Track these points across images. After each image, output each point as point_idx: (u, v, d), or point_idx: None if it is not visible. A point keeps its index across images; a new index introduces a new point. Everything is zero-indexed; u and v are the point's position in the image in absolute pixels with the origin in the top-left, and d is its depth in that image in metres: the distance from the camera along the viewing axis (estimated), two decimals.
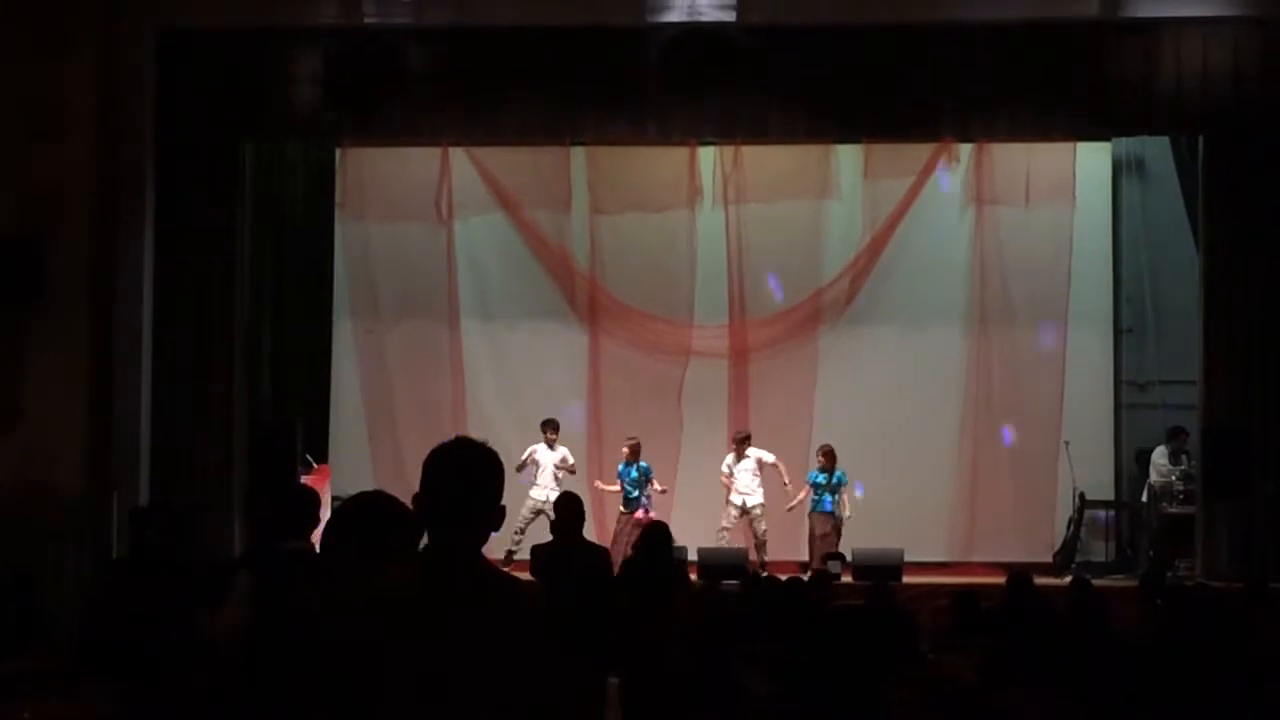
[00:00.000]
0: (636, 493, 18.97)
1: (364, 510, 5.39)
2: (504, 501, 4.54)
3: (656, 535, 11.70)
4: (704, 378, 20.32)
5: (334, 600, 4.36)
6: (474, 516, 4.43)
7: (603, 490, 19.43)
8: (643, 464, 19.06)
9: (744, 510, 19.03)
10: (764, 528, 19.05)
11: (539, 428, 19.11)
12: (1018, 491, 19.95)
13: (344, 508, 5.46)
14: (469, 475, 4.47)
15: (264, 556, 7.13)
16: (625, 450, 19.08)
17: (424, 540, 5.03)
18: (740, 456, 19.14)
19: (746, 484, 19.09)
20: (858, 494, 19.22)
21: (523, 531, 18.27)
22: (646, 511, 18.71)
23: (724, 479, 19.20)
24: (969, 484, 20.03)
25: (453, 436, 4.63)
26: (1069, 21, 17.88)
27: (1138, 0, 17.77)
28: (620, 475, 19.10)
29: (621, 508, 19.00)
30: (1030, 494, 19.86)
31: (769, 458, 19.21)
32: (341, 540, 5.40)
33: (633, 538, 18.22)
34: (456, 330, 20.50)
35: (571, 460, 19.13)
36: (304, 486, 9.56)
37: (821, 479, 18.86)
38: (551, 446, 19.05)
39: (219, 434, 18.40)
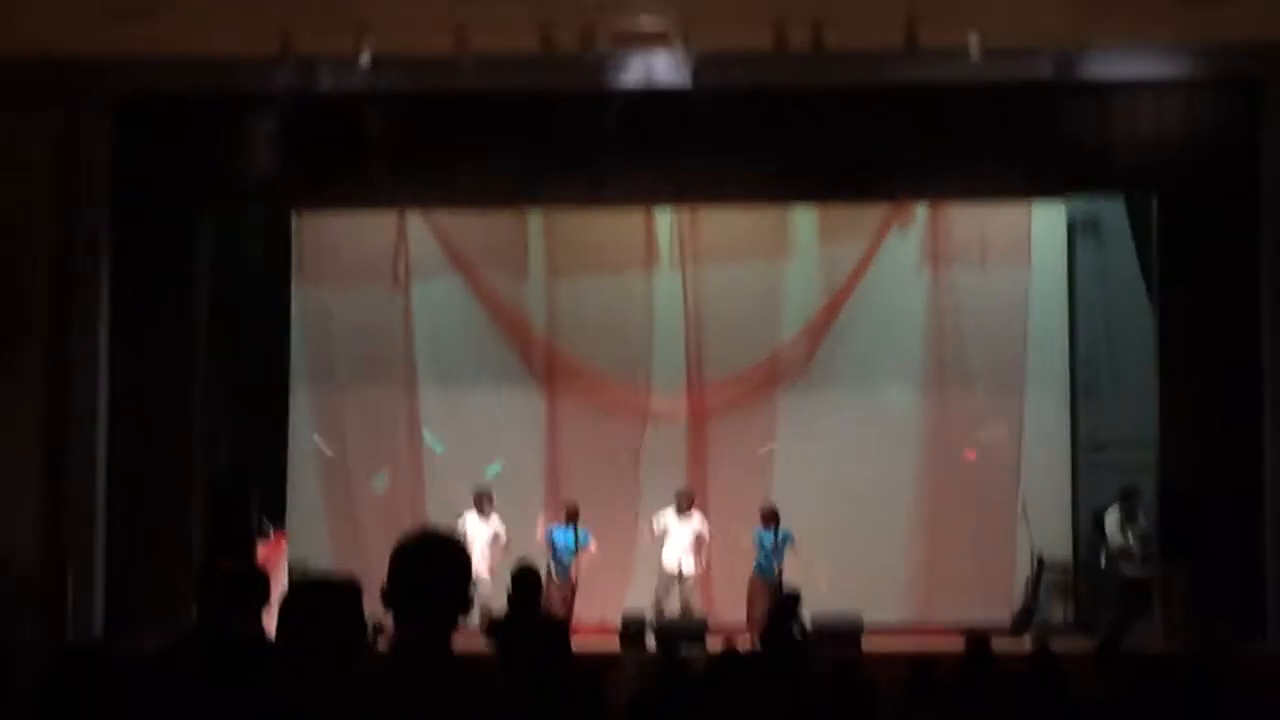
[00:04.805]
0: (569, 559, 18.84)
1: (314, 597, 5.35)
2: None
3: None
4: (662, 440, 20.31)
5: (310, 693, 4.34)
6: (442, 608, 4.42)
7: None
8: (581, 530, 18.93)
9: (679, 576, 18.95)
10: (694, 596, 19.00)
11: (472, 499, 18.92)
12: (976, 553, 19.95)
13: (294, 594, 5.41)
14: (436, 568, 4.47)
15: (212, 638, 7.07)
16: (569, 516, 18.94)
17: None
18: (683, 516, 19.07)
19: (684, 546, 19.00)
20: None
21: None
22: (576, 577, 18.71)
23: (652, 535, 19.13)
24: (927, 545, 20.04)
25: (417, 527, 4.61)
26: (1023, 83, 17.90)
27: (1091, 62, 17.78)
28: (554, 538, 18.89)
29: (555, 575, 18.62)
30: (988, 555, 19.87)
31: (705, 531, 19.17)
32: (293, 627, 5.35)
33: (569, 605, 18.36)
34: (414, 395, 20.47)
35: (504, 537, 18.85)
36: (253, 565, 9.47)
37: (767, 539, 18.81)
38: (484, 516, 18.82)
39: (176, 504, 18.20)
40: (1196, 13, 15.52)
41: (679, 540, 18.97)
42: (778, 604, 12.41)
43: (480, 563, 18.18)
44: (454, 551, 4.51)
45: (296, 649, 5.21)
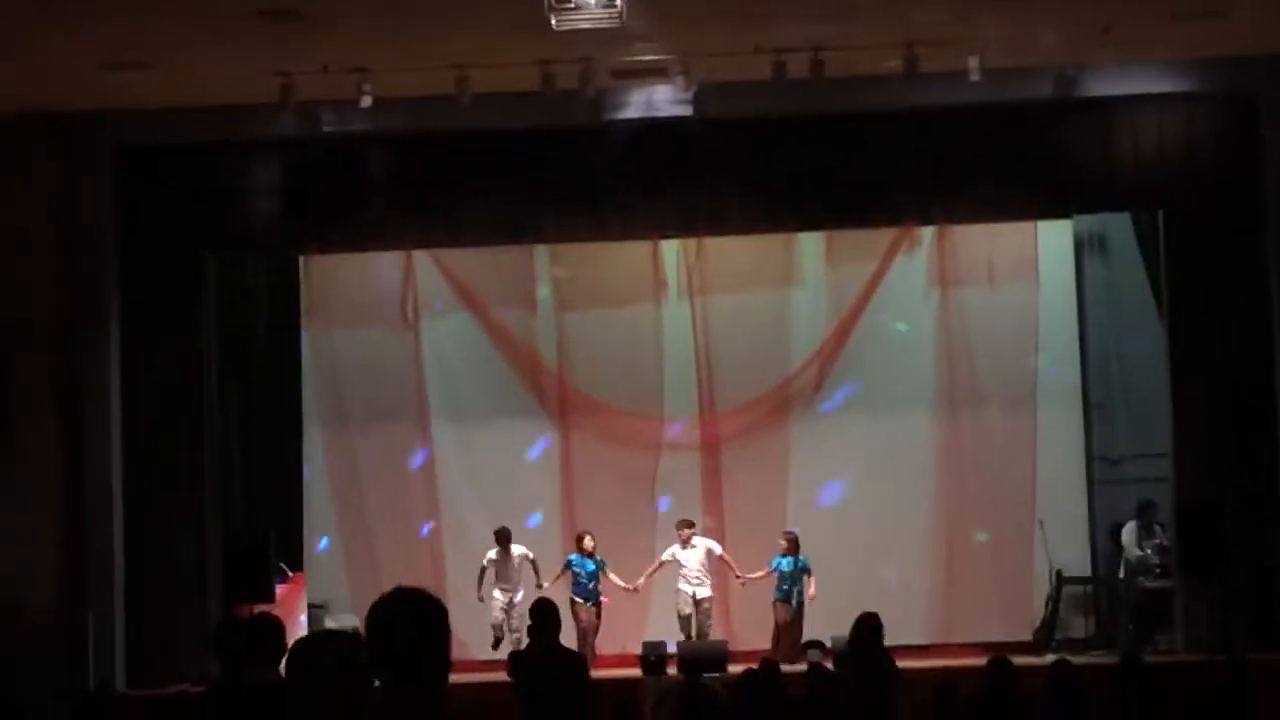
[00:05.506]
0: (594, 584, 18.90)
1: (317, 651, 5.35)
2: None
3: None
4: (676, 470, 20.30)
5: None
6: (422, 668, 4.40)
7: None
8: (599, 557, 18.99)
9: (695, 601, 18.95)
10: (710, 623, 18.99)
11: (494, 537, 18.96)
12: (995, 571, 19.90)
13: (298, 649, 5.43)
14: (412, 629, 4.45)
15: (232, 690, 7.12)
16: (589, 544, 18.99)
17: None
18: (686, 545, 19.07)
19: (696, 574, 19.01)
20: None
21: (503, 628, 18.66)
22: (601, 604, 18.86)
23: (659, 567, 19.20)
24: (946, 565, 19.97)
25: (393, 588, 4.57)
26: (1024, 102, 17.91)
27: (1091, 79, 17.80)
28: (575, 566, 18.94)
29: (580, 599, 18.73)
30: (1008, 573, 19.80)
31: (717, 549, 19.17)
32: (299, 681, 5.37)
33: (595, 627, 18.49)
34: (427, 433, 20.48)
35: (532, 556, 19.00)
36: (268, 615, 9.48)
37: (786, 564, 18.79)
38: (506, 551, 18.91)
39: (193, 549, 18.22)
40: (1191, 27, 15.54)
41: (689, 569, 18.97)
42: (863, 625, 12.41)
43: (515, 594, 18.68)
44: (430, 610, 4.49)
45: (306, 702, 5.22)
